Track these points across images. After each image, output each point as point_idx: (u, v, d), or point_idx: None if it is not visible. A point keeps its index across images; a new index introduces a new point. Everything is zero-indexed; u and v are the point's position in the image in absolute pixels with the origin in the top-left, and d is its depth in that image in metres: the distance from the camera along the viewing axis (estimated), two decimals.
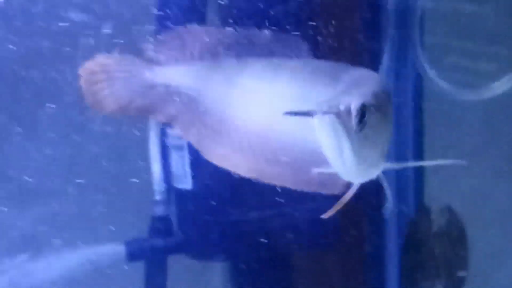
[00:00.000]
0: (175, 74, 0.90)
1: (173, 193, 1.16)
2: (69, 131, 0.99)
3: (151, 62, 0.90)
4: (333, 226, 1.17)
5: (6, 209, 1.23)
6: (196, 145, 0.90)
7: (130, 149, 1.14)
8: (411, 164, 0.92)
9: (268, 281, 1.23)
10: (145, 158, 1.15)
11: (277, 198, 1.13)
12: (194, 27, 0.91)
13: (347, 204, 0.85)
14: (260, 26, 0.90)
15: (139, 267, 1.20)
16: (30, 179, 1.23)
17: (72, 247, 1.15)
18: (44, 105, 1.08)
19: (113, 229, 1.17)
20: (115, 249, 1.16)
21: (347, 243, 1.22)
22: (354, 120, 0.73)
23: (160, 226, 1.16)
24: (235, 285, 1.24)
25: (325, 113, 0.73)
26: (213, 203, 1.12)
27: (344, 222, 1.17)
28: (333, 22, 1.04)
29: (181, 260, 1.21)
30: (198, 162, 1.07)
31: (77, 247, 1.15)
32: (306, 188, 0.88)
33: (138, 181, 1.14)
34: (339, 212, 0.86)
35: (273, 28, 0.91)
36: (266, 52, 0.88)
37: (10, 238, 1.21)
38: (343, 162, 0.76)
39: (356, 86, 0.79)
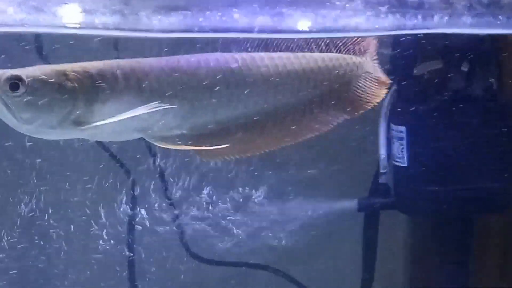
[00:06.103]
0: None
1: (392, 168, 1.58)
2: None
3: None
4: None
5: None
6: None
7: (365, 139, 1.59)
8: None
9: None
10: (375, 144, 1.59)
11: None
12: None
13: None
14: None
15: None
16: None
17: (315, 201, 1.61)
18: None
19: (350, 189, 1.64)
20: (349, 204, 1.63)
21: None
22: (4, 87, 0.94)
23: (382, 190, 1.61)
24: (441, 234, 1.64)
25: None
26: (420, 177, 1.53)
27: None
28: None
29: (394, 215, 1.66)
30: (413, 147, 1.51)
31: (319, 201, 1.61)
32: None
33: (370, 159, 1.61)
34: None
35: None
36: None
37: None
38: (7, 119, 0.96)
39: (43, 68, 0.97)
